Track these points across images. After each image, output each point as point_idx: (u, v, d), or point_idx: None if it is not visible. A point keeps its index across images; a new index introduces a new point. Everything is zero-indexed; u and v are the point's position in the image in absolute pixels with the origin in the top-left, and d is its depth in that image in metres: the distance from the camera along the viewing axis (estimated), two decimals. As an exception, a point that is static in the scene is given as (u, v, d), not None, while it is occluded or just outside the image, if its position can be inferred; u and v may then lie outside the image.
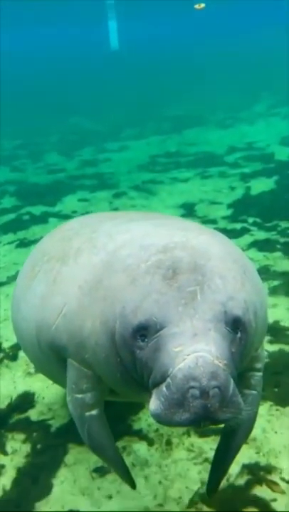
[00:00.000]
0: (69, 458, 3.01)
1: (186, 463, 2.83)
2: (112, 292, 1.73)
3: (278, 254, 5.67)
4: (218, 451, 2.21)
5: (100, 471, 2.86)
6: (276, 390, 3.30)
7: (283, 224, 6.68)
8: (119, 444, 3.06)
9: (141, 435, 3.12)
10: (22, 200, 9.58)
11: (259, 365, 2.09)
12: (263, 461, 2.71)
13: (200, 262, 1.65)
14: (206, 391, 1.35)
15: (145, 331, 1.55)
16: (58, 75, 32.09)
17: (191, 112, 19.56)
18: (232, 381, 1.44)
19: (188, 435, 3.03)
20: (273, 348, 3.81)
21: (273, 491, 2.47)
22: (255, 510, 2.40)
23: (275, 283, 4.90)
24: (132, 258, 1.75)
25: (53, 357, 2.09)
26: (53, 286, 2.03)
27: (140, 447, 3.02)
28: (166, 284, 1.59)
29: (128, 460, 2.91)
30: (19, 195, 10.08)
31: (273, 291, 4.74)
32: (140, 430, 3.17)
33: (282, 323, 4.14)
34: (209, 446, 2.91)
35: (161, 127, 18.06)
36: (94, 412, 2.00)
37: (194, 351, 1.42)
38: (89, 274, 1.88)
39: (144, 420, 3.26)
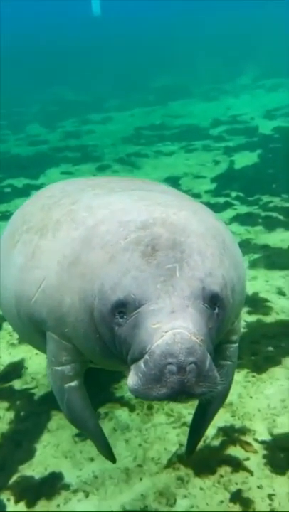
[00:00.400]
0: (52, 424, 3.10)
1: (165, 427, 2.95)
2: (90, 269, 1.73)
3: (259, 228, 5.75)
4: (195, 416, 2.31)
5: (82, 436, 2.96)
6: (253, 358, 3.42)
7: (265, 198, 6.74)
8: (102, 410, 3.16)
9: (122, 402, 3.22)
10: (3, 172, 9.41)
11: (235, 337, 2.15)
12: (237, 424, 2.85)
13: (179, 239, 1.64)
14: (183, 367, 1.38)
15: (124, 307, 1.56)
16: (37, 42, 30.93)
17: (176, 83, 19.21)
18: (208, 356, 1.46)
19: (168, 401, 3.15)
20: (251, 318, 3.92)
21: (246, 450, 2.61)
22: (229, 468, 2.54)
23: (256, 256, 5.00)
24: (111, 234, 1.74)
25: (33, 328, 2.12)
26: (32, 259, 2.01)
27: (122, 413, 3.13)
28: (145, 261, 1.59)
29: (110, 425, 3.03)
30: (0, 166, 9.88)
31: (253, 264, 4.83)
32: (122, 397, 3.27)
33: (260, 295, 4.25)
34: (188, 411, 3.03)
35: (145, 98, 17.73)
36: (73, 384, 2.02)
37: (172, 328, 1.44)
38: (67, 249, 1.88)
39: (126, 388, 3.36)
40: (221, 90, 17.03)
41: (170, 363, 1.39)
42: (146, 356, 1.43)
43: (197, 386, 1.41)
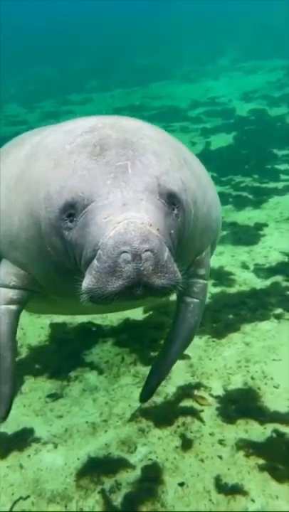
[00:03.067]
0: (25, 387, 3.30)
1: (130, 387, 3.19)
2: (35, 179, 1.62)
3: (229, 206, 5.98)
4: (157, 360, 2.22)
5: (53, 397, 3.18)
6: (214, 325, 3.67)
7: (237, 178, 6.97)
8: (72, 374, 3.38)
9: (92, 366, 3.44)
10: (-19, 152, 9.39)
11: (202, 272, 2.04)
12: (196, 382, 3.10)
13: (131, 139, 1.52)
14: (137, 253, 1.27)
15: (72, 209, 1.45)
16: (15, 20, 30.15)
17: (158, 64, 19.15)
18: (167, 249, 1.34)
19: (135, 364, 3.39)
20: (216, 289, 4.17)
21: (201, 404, 2.86)
22: (184, 420, 2.79)
23: (224, 233, 5.23)
24: (56, 142, 1.63)
25: None
26: None
27: (91, 376, 3.35)
28: (93, 160, 1.47)
29: (79, 386, 3.25)
30: (-22, 147, 9.85)
31: (221, 241, 5.06)
32: (92, 362, 3.49)
33: (226, 269, 4.49)
34: (152, 372, 3.28)
35: (126, 79, 17.64)
36: (12, 307, 1.90)
37: (125, 218, 1.32)
38: (14, 169, 1.80)
39: (96, 354, 3.58)
40: (201, 72, 17.06)
41: (124, 252, 1.27)
42: (99, 251, 1.32)
43: (156, 276, 1.29)
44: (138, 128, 1.61)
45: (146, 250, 1.28)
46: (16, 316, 1.92)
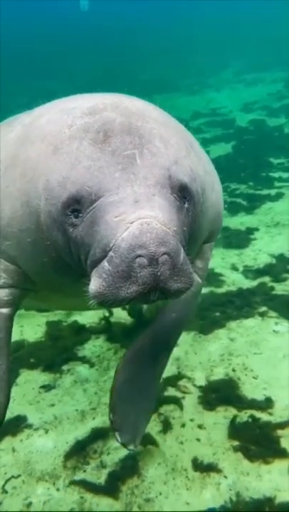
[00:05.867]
0: (20, 379, 3.50)
1: (119, 379, 3.36)
2: (30, 166, 1.48)
3: (223, 212, 6.18)
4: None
5: (46, 388, 3.37)
6: (201, 322, 3.85)
7: (233, 185, 7.18)
8: (64, 367, 3.57)
9: (84, 360, 3.63)
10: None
11: (201, 265, 1.98)
12: (181, 374, 3.27)
13: (136, 124, 1.40)
14: (154, 258, 1.18)
15: (78, 204, 1.33)
16: (26, 36, 30.96)
17: (162, 77, 19.56)
18: (182, 249, 1.26)
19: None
20: (205, 290, 4.35)
21: (183, 392, 3.03)
22: (168, 407, 2.96)
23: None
24: (53, 124, 1.49)
25: None
26: None
27: (82, 369, 3.54)
28: (97, 148, 1.35)
29: (70, 378, 3.43)
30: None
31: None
32: (84, 356, 3.68)
33: (216, 270, 4.68)
34: (140, 366, 3.45)
35: (131, 92, 18.02)
36: (4, 311, 1.74)
37: (138, 218, 1.22)
38: (2, 152, 1.65)
39: (88, 349, 3.77)
40: (205, 84, 17.42)
41: (140, 256, 1.18)
42: (111, 253, 1.22)
43: (172, 281, 1.21)
44: (142, 109, 1.50)
45: (163, 254, 1.19)
46: (8, 320, 1.75)
